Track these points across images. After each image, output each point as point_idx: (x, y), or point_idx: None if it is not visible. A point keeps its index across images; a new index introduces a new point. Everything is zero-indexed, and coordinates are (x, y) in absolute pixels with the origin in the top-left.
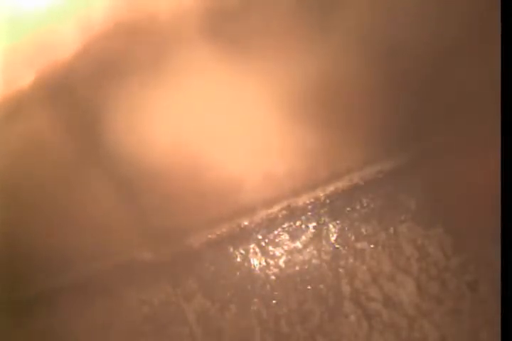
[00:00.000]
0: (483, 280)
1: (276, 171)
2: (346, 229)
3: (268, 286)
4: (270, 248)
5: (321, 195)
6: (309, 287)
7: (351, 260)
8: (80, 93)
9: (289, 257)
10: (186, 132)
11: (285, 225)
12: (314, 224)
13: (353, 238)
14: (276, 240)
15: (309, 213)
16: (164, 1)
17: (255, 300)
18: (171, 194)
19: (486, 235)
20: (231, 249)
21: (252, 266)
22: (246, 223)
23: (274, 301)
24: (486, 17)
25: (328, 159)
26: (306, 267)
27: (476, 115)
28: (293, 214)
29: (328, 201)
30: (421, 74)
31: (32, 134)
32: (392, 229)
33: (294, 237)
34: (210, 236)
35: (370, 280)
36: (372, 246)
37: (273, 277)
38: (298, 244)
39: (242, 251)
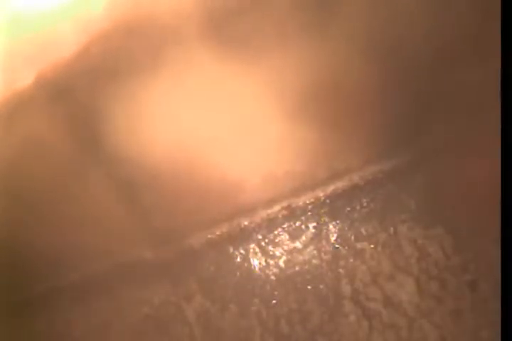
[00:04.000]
0: (483, 280)
1: (276, 171)
2: (346, 229)
3: (268, 286)
4: (270, 248)
5: (321, 195)
6: (309, 287)
7: (351, 260)
8: (79, 93)
9: (289, 257)
10: (186, 132)
11: (285, 225)
12: (314, 224)
13: (353, 238)
14: (276, 240)
15: (309, 213)
16: (164, 1)
17: (255, 300)
18: (171, 194)
19: (486, 235)
20: (231, 249)
21: (252, 266)
22: (246, 223)
23: (274, 301)
24: (486, 17)
25: (328, 159)
26: (306, 267)
27: (476, 115)
28: (293, 214)
29: (328, 201)
30: (421, 74)
31: (32, 134)
32: (392, 229)
33: (294, 237)
34: (210, 236)
35: (370, 281)
36: (372, 246)
37: (273, 277)
38: (298, 244)
39: (242, 251)
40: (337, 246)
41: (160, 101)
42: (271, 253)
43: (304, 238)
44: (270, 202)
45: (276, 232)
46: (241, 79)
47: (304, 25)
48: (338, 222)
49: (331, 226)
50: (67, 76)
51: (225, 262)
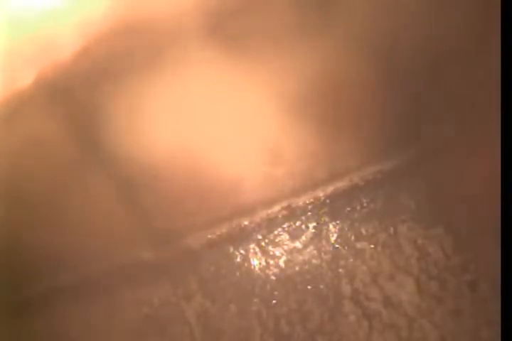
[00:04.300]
0: (483, 280)
1: (276, 171)
2: (346, 229)
3: (268, 286)
4: (270, 248)
5: (321, 195)
6: (309, 287)
7: (351, 260)
8: (80, 93)
9: (289, 257)
10: (186, 132)
11: (285, 225)
12: (314, 224)
13: (353, 238)
14: (276, 240)
15: (309, 213)
16: (164, 1)
17: (255, 300)
18: (171, 194)
19: (486, 235)
20: (231, 249)
21: (252, 266)
22: (246, 223)
23: (274, 301)
24: (486, 17)
25: (328, 159)
26: (306, 267)
27: (476, 115)
28: (293, 214)
29: (328, 201)
30: (421, 74)
31: (32, 134)
32: (392, 229)
33: (294, 237)
34: (210, 236)
35: (370, 280)
36: (372, 246)
37: (273, 277)
38: (298, 244)
39: (242, 251)
40: (337, 246)
41: (160, 101)
42: (271, 253)
43: (303, 238)
44: (270, 202)
45: (276, 232)
46: (241, 79)
47: (305, 25)
48: (338, 222)
49: (331, 226)
50: (67, 76)
51: (225, 262)
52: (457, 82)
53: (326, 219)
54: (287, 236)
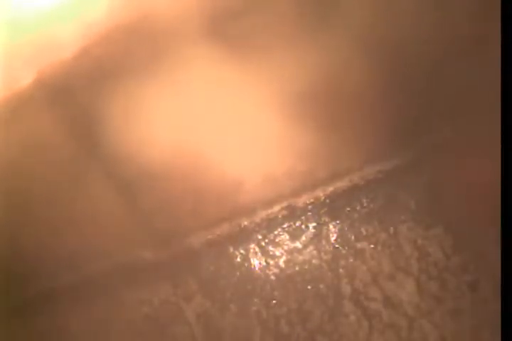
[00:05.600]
0: (483, 280)
1: (276, 171)
2: (346, 229)
3: (268, 286)
4: (270, 248)
5: (321, 195)
6: (309, 287)
7: (351, 260)
8: (79, 93)
9: (289, 257)
10: (186, 133)
11: (285, 225)
12: (314, 224)
13: (353, 238)
14: (276, 240)
15: (309, 213)
16: (165, 3)
17: (255, 300)
18: (171, 194)
19: (486, 235)
20: (231, 249)
21: (252, 266)
22: (246, 223)
23: (274, 301)
24: (486, 17)
25: (328, 159)
26: (306, 267)
27: (477, 115)
28: (293, 214)
29: (328, 201)
30: (421, 75)
31: (32, 134)
32: (392, 229)
33: (294, 237)
34: (210, 236)
35: (370, 280)
36: (372, 246)
37: (273, 277)
38: (298, 244)
39: (242, 251)
40: (337, 246)
41: (160, 101)
42: (271, 253)
43: (304, 238)
44: (270, 202)
45: (276, 232)
46: (241, 79)
47: (305, 25)
48: (338, 222)
49: (331, 226)
50: (66, 76)
51: (225, 262)
52: (457, 82)
53: (326, 219)
54: (287, 236)
